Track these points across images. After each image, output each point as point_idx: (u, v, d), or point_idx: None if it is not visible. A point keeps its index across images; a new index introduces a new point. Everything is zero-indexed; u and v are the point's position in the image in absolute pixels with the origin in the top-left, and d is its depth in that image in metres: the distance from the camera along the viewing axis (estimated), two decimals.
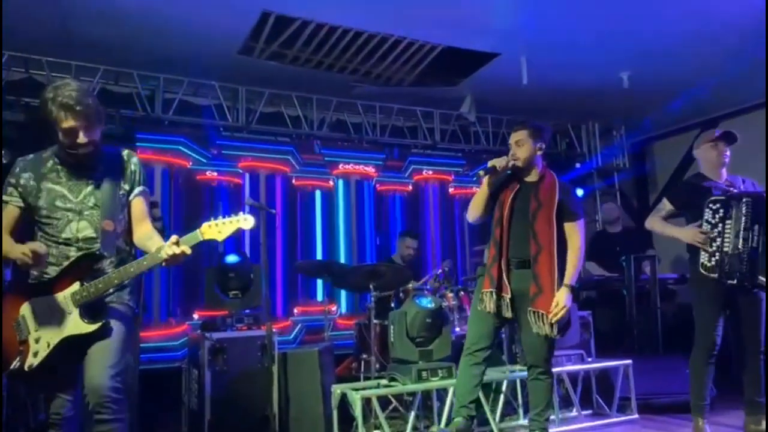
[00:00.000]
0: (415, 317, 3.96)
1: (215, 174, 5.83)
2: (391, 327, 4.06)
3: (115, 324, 2.35)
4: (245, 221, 2.36)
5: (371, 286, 4.39)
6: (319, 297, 6.05)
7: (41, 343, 2.29)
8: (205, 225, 2.34)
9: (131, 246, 2.56)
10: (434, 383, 3.81)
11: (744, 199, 3.45)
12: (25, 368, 2.27)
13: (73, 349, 2.30)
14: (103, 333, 2.31)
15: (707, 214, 3.52)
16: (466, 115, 6.32)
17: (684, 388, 3.81)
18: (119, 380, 2.28)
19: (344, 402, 3.74)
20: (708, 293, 3.52)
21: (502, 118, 7.00)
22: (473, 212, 3.36)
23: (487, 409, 3.92)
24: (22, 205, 2.42)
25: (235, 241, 5.70)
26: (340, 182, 6.43)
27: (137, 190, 2.55)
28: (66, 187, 2.43)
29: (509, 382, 4.11)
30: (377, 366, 4.25)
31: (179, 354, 5.24)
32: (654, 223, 3.78)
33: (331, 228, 6.32)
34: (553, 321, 3.08)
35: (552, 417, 3.90)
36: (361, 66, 5.45)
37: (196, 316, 5.42)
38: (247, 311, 4.61)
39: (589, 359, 4.55)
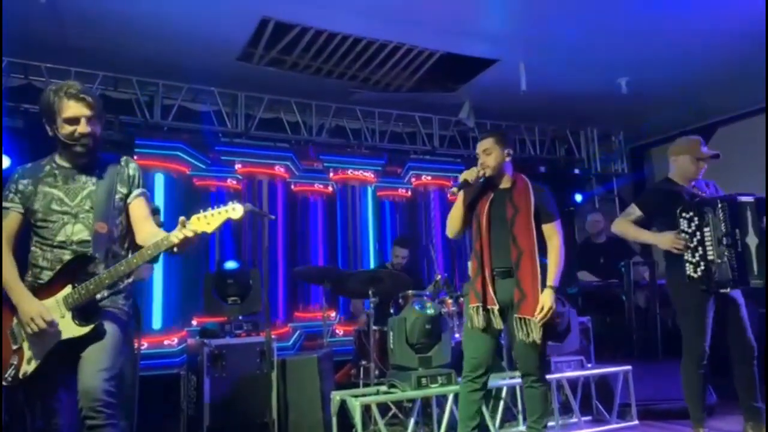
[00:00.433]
0: (415, 324, 3.95)
1: (214, 180, 5.83)
2: (391, 333, 4.05)
3: (108, 327, 2.32)
4: (233, 211, 2.29)
5: (370, 292, 4.38)
6: (318, 303, 6.04)
7: (35, 349, 2.26)
8: (193, 217, 2.28)
9: (129, 251, 2.52)
10: (434, 390, 3.80)
11: (720, 205, 3.39)
12: (20, 376, 2.25)
13: (68, 353, 2.28)
14: (96, 335, 2.29)
15: (682, 224, 3.46)
16: (464, 120, 6.33)
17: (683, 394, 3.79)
18: (113, 384, 2.25)
19: (343, 409, 3.72)
20: (695, 302, 3.45)
21: (500, 123, 7.01)
22: (452, 228, 3.34)
23: (487, 415, 3.91)
24: (22, 211, 2.41)
25: (234, 247, 5.70)
26: (340, 188, 6.43)
27: (136, 192, 2.52)
28: (62, 190, 2.41)
29: (509, 389, 4.10)
30: (377, 372, 4.24)
31: (178, 360, 5.22)
32: (624, 226, 3.69)
33: (330, 234, 6.31)
34: (540, 324, 3.03)
35: (551, 423, 3.89)
36: (360, 72, 5.46)
37: (194, 322, 5.41)
38: (246, 317, 4.60)
39: (589, 365, 4.54)
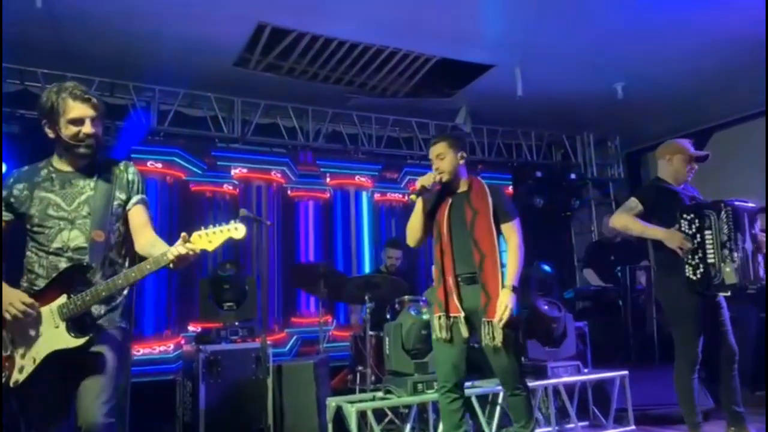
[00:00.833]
0: (411, 329, 3.94)
1: (210, 185, 5.82)
2: (387, 339, 4.04)
3: (107, 353, 2.29)
4: (236, 231, 2.28)
5: (366, 298, 4.37)
6: (314, 309, 6.03)
7: (27, 358, 2.23)
8: (195, 235, 2.26)
9: (126, 258, 2.48)
10: (430, 396, 3.79)
11: (724, 209, 3.38)
12: (11, 384, 2.20)
13: (61, 365, 2.24)
14: (95, 361, 2.25)
15: (683, 225, 3.44)
16: (461, 126, 6.34)
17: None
18: (113, 413, 2.25)
19: (339, 415, 3.71)
20: (688, 308, 3.43)
21: (497, 129, 7.03)
22: (412, 237, 3.26)
23: (483, 420, 3.91)
24: (11, 218, 2.36)
25: (230, 252, 5.68)
26: (336, 193, 6.43)
27: (135, 198, 2.47)
28: (59, 195, 2.37)
29: (505, 394, 4.08)
30: (373, 378, 4.22)
31: (173, 366, 5.20)
32: (627, 220, 3.55)
33: (326, 239, 6.31)
34: (500, 325, 2.95)
35: (548, 429, 3.89)
36: (357, 77, 5.47)
37: (190, 328, 5.40)
38: (242, 323, 4.58)
39: (586, 370, 4.54)
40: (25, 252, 2.39)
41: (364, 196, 6.55)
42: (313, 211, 6.30)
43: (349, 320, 6.01)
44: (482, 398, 3.97)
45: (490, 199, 3.16)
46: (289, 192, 6.19)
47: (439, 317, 3.10)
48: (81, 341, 2.23)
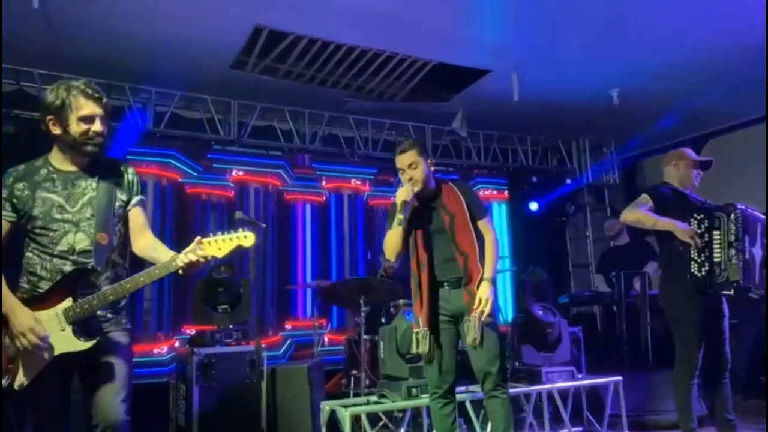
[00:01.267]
0: (405, 333, 3.92)
1: (206, 188, 5.81)
2: (381, 343, 4.04)
3: (120, 360, 2.31)
4: (246, 239, 2.30)
5: (361, 301, 4.37)
6: (309, 312, 6.02)
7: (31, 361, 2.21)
8: (204, 241, 2.27)
9: (126, 259, 2.48)
10: (424, 400, 3.77)
11: (735, 211, 3.45)
12: (15, 387, 2.19)
13: (64, 369, 2.25)
14: (110, 370, 2.26)
15: (692, 224, 3.51)
16: (457, 130, 6.35)
17: (674, 404, 3.80)
18: (129, 409, 2.28)
19: (333, 419, 3.70)
20: (693, 312, 3.48)
21: (493, 134, 7.04)
22: (394, 251, 3.09)
23: (476, 425, 3.90)
24: (13, 219, 2.33)
25: None
26: (332, 197, 6.42)
27: (135, 200, 2.48)
28: (62, 196, 2.35)
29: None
30: (367, 382, 4.22)
31: (167, 369, 5.19)
32: (640, 214, 3.58)
33: (322, 242, 6.30)
34: (481, 317, 2.91)
35: None
36: (354, 81, 5.47)
37: (184, 330, 5.38)
38: (237, 326, 4.57)
39: (580, 375, 4.54)
40: (25, 253, 2.36)
41: (360, 199, 6.54)
42: (309, 214, 6.29)
43: (345, 323, 6.00)
44: (476, 403, 3.96)
45: (462, 200, 3.12)
46: (284, 195, 6.18)
47: (417, 333, 3.06)
48: (89, 344, 2.23)
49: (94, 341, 2.23)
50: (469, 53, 5.07)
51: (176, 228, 5.56)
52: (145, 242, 2.45)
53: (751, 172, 3.86)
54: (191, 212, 5.72)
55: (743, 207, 3.52)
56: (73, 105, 2.30)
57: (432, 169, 3.19)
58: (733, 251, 3.41)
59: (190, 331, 5.19)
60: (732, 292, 3.43)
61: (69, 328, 2.23)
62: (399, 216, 2.98)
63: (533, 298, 4.99)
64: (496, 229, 3.24)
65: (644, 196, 3.66)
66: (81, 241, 2.33)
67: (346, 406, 3.64)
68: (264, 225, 5.23)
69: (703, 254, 3.46)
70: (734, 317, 3.64)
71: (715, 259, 3.44)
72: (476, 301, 2.94)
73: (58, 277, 2.28)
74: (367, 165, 6.60)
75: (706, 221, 3.50)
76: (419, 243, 3.11)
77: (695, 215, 3.53)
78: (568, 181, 7.44)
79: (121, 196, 2.45)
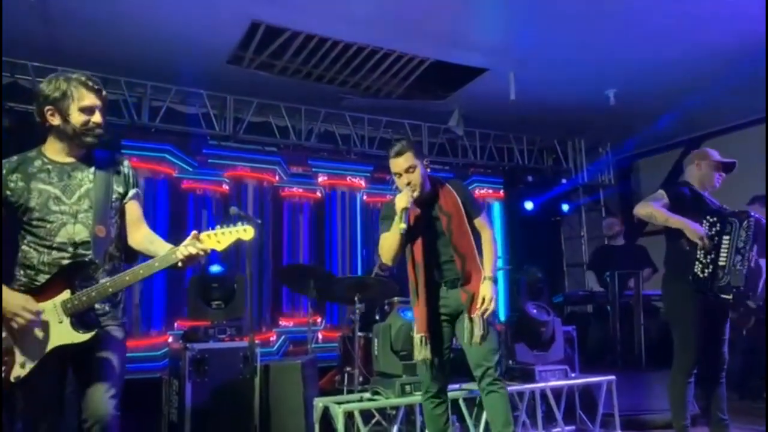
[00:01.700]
0: (399, 331, 3.93)
1: (201, 183, 5.79)
2: (375, 340, 4.04)
3: (114, 355, 2.30)
4: (245, 232, 2.30)
5: (356, 299, 4.36)
6: (304, 309, 6.01)
7: (30, 353, 2.20)
8: (203, 234, 2.28)
9: (122, 252, 2.47)
10: (417, 398, 3.77)
11: (750, 219, 3.46)
12: (12, 380, 2.17)
13: (60, 361, 2.24)
14: (104, 365, 2.25)
15: (704, 226, 3.50)
16: (454, 129, 6.35)
17: (667, 404, 3.81)
18: (119, 407, 2.27)
19: (326, 415, 3.70)
20: (692, 311, 3.50)
21: (489, 133, 7.05)
22: (391, 255, 3.01)
23: (470, 423, 3.90)
24: (4, 212, 2.32)
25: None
26: (328, 194, 6.41)
27: (132, 192, 2.48)
28: (58, 187, 2.33)
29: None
30: (360, 379, 4.21)
31: (160, 364, 5.17)
32: (652, 209, 3.55)
33: (318, 240, 6.29)
34: (484, 315, 2.90)
35: None
36: (350, 78, 5.46)
37: (177, 325, 5.36)
38: (230, 322, 4.56)
39: (573, 374, 4.55)
40: (20, 246, 2.34)
41: (356, 196, 6.54)
42: (305, 211, 6.28)
43: (340, 320, 6.00)
44: (469, 401, 3.97)
45: (458, 198, 3.08)
46: (280, 191, 6.17)
47: (416, 338, 3.03)
48: (87, 336, 2.22)
49: (93, 333, 2.23)
50: (466, 52, 5.07)
51: (171, 223, 5.55)
52: (141, 235, 2.45)
53: (747, 174, 3.87)
54: (186, 207, 5.70)
55: (758, 216, 3.54)
56: (75, 95, 2.31)
57: (428, 169, 3.12)
58: (739, 257, 3.43)
59: (184, 326, 5.17)
60: (731, 297, 3.44)
61: (67, 320, 2.22)
62: (401, 225, 2.88)
63: (527, 296, 5.00)
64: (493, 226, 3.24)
65: (660, 192, 3.65)
66: (80, 232, 2.32)
67: (339, 403, 3.64)
68: (258, 221, 5.22)
69: (710, 256, 3.47)
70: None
71: (720, 263, 3.45)
72: (479, 300, 2.92)
73: (56, 270, 2.27)
74: (363, 162, 6.59)
75: (718, 225, 3.50)
76: (416, 246, 3.06)
77: (708, 217, 3.52)
78: (564, 180, 7.44)
79: (118, 189, 2.45)
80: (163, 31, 4.58)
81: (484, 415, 3.99)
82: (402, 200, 2.91)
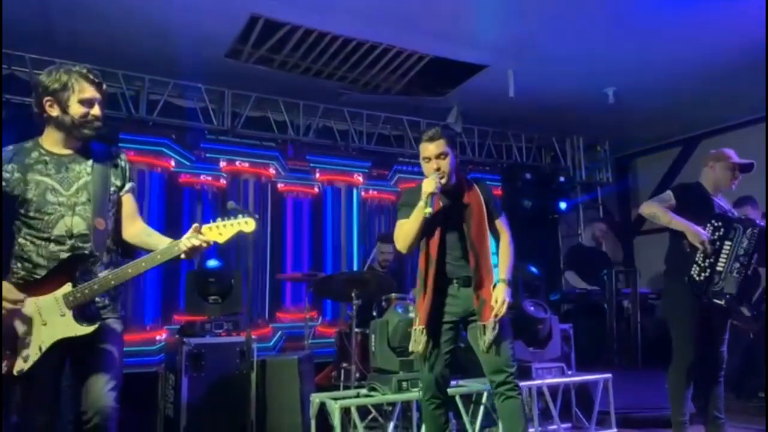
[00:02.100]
0: (397, 327, 3.93)
1: (199, 177, 5.77)
2: (372, 336, 4.03)
3: (113, 348, 2.30)
4: (246, 224, 2.31)
5: (353, 294, 4.36)
6: (302, 304, 6.00)
7: (32, 346, 2.19)
8: (205, 227, 2.29)
9: (119, 246, 2.47)
10: (414, 394, 3.77)
11: (754, 228, 3.46)
12: (14, 373, 2.16)
13: (64, 354, 2.23)
14: (104, 357, 2.25)
15: (708, 230, 3.50)
16: (452, 125, 6.33)
17: (663, 402, 3.84)
18: (119, 398, 2.28)
19: (323, 411, 3.70)
20: (691, 308, 3.52)
21: (487, 129, 7.04)
22: (408, 244, 2.95)
23: (466, 420, 3.91)
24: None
25: (216, 245, 5.63)
26: (326, 189, 6.40)
27: (128, 186, 2.49)
28: (55, 179, 2.32)
29: (489, 394, 4.09)
30: (357, 375, 4.21)
31: (156, 359, 5.16)
32: (656, 209, 3.59)
33: (315, 235, 6.28)
34: (497, 318, 2.84)
35: (531, 431, 3.89)
36: (349, 73, 5.44)
37: (175, 320, 5.35)
38: (227, 317, 4.55)
39: (570, 372, 4.56)
40: (17, 239, 2.32)
41: (354, 192, 6.52)
42: (302, 206, 6.27)
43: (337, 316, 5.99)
44: (466, 398, 3.97)
45: (481, 195, 3.03)
46: (278, 186, 6.15)
47: (414, 330, 2.98)
48: (90, 329, 2.21)
49: (96, 326, 2.23)
50: (466, 48, 5.06)
51: (168, 217, 5.53)
52: (137, 229, 2.46)
53: (746, 174, 3.86)
54: (183, 201, 5.68)
55: (763, 225, 3.53)
56: (75, 87, 2.31)
57: (457, 161, 3.06)
58: (737, 264, 3.43)
59: (181, 321, 5.16)
60: (723, 303, 3.44)
61: (69, 313, 2.21)
62: (427, 209, 2.81)
63: (525, 294, 5.00)
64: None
65: (668, 193, 3.67)
66: (78, 224, 2.31)
67: (336, 399, 3.63)
68: (256, 216, 5.21)
69: (709, 260, 3.47)
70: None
71: (718, 268, 3.46)
72: (492, 302, 2.87)
73: (55, 263, 2.26)
74: (361, 158, 6.57)
75: (722, 229, 3.49)
76: (432, 240, 2.98)
77: (713, 221, 3.52)
78: (562, 178, 7.43)
79: (116, 182, 2.45)
80: (162, 24, 4.55)
81: (480, 412, 4.00)
82: (429, 185, 2.86)
